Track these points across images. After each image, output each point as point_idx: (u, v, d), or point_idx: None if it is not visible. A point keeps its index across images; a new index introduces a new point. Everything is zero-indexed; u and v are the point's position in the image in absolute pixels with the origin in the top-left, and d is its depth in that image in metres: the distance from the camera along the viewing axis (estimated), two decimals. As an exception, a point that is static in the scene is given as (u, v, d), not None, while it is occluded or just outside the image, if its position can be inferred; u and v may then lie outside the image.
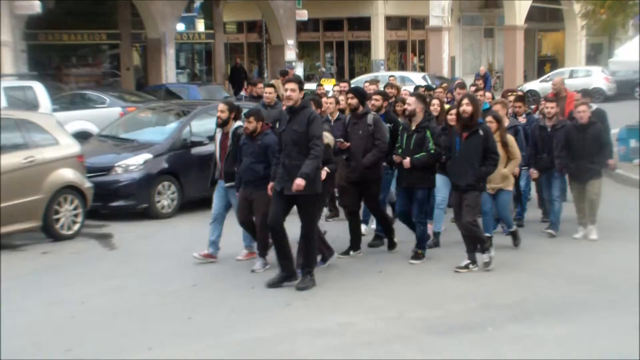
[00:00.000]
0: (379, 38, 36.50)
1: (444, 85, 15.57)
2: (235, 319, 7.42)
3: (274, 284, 8.36)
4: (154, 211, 12.21)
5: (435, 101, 10.53)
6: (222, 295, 8.21)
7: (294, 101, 8.25)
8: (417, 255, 9.37)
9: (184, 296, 8.22)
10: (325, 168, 8.64)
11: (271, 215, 8.29)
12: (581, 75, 33.41)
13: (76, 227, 11.03)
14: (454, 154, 8.95)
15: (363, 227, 10.12)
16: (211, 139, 11.48)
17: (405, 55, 39.06)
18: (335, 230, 10.28)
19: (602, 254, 9.78)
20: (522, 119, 11.46)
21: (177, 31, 27.97)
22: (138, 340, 6.88)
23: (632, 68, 25.60)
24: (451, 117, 9.50)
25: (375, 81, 14.52)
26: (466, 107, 8.84)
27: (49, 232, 10.79)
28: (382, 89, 12.06)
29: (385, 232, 9.97)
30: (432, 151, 9.11)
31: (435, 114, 10.06)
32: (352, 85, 12.17)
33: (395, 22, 37.93)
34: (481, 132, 8.86)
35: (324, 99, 11.00)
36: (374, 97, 10.35)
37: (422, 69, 36.38)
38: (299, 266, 8.59)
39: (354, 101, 9.59)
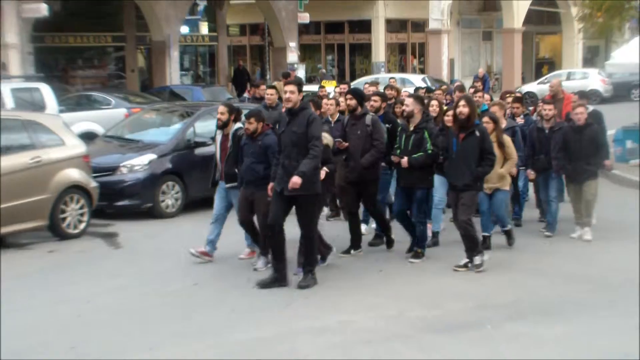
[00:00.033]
0: (379, 41, 36.48)
1: (444, 87, 15.57)
2: (236, 319, 7.38)
3: (265, 284, 8.28)
4: (158, 210, 12.21)
5: (434, 102, 10.53)
6: (222, 294, 8.18)
7: (293, 103, 8.25)
8: (417, 254, 9.37)
9: (184, 296, 8.19)
10: (324, 168, 8.63)
11: (271, 215, 8.27)
12: (578, 77, 33.40)
13: (82, 226, 11.04)
14: (451, 154, 8.95)
15: (363, 227, 10.12)
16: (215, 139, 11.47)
17: (405, 58, 39.05)
18: (335, 230, 10.27)
19: (599, 253, 9.75)
20: (519, 120, 11.45)
21: (181, 34, 27.97)
22: (138, 340, 6.85)
23: (628, 70, 25.65)
24: (448, 119, 9.51)
25: (375, 83, 14.51)
26: (463, 109, 8.84)
27: (56, 231, 10.79)
28: (382, 90, 12.06)
29: (382, 231, 9.96)
30: (430, 151, 9.11)
31: (434, 115, 10.06)
32: (352, 87, 12.19)
33: (395, 25, 37.91)
34: (478, 133, 8.85)
35: (324, 101, 11.00)
36: (373, 98, 10.35)
37: (422, 71, 36.36)
38: (300, 265, 8.58)
39: (353, 102, 9.60)
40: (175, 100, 20.40)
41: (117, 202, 12.09)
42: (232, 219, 9.31)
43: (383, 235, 9.99)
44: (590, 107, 11.67)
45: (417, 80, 27.57)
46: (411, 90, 15.34)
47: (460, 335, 6.91)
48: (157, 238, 11.06)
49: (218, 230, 9.36)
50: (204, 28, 33.23)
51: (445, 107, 10.68)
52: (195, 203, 12.38)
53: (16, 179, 10.25)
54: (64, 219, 10.81)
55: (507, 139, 9.85)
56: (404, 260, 9.36)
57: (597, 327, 7.13)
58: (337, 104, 10.85)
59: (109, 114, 18.08)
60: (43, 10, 21.02)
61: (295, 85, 8.31)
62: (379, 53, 36.42)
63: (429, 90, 15.14)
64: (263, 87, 15.18)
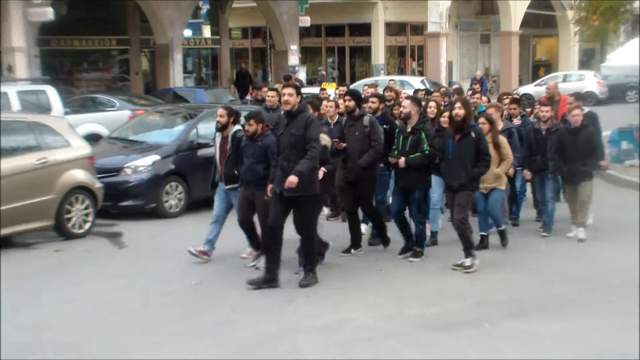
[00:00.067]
0: (379, 43, 36.47)
1: (442, 89, 15.59)
2: (236, 319, 7.35)
3: (256, 283, 8.21)
4: (161, 211, 12.21)
5: (432, 104, 10.54)
6: (222, 294, 8.14)
7: (292, 105, 8.25)
8: (416, 253, 9.36)
9: (185, 295, 8.16)
10: (322, 168, 8.63)
11: (271, 217, 8.25)
12: (574, 79, 33.36)
13: (87, 226, 11.04)
14: (447, 155, 8.95)
15: (363, 227, 10.11)
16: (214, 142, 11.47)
17: (404, 60, 39.03)
18: (335, 229, 10.26)
19: (595, 253, 9.75)
20: (517, 121, 11.44)
21: (184, 37, 27.97)
22: (139, 340, 6.82)
23: (624, 72, 25.61)
24: (444, 120, 9.52)
25: (374, 85, 14.48)
26: (459, 111, 8.86)
27: (61, 231, 10.79)
28: (381, 92, 12.06)
29: (378, 230, 9.95)
30: (427, 152, 9.11)
31: (431, 116, 10.07)
32: (350, 88, 12.20)
33: (394, 28, 37.89)
34: (473, 135, 8.86)
35: (324, 102, 10.99)
36: (371, 99, 10.35)
37: (421, 74, 36.32)
38: (301, 264, 8.58)
39: (351, 103, 9.61)
40: (178, 102, 20.38)
41: (121, 202, 12.09)
42: (232, 219, 9.30)
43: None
44: (586, 109, 11.66)
45: (416, 82, 27.58)
46: (411, 92, 15.33)
47: (458, 332, 6.91)
48: (161, 238, 11.06)
49: (217, 231, 9.35)
50: (206, 31, 33.22)
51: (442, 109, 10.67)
52: (198, 203, 12.38)
53: (22, 180, 10.26)
54: (69, 219, 10.81)
55: (502, 139, 9.85)
56: (403, 260, 9.35)
57: (592, 324, 7.11)
58: (337, 106, 10.85)
59: (113, 116, 18.07)
60: (49, 14, 21.02)
61: (293, 88, 8.31)
62: (379, 56, 36.42)
63: (428, 92, 15.13)
64: (265, 89, 15.16)
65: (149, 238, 11.00)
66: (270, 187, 8.38)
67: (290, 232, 8.46)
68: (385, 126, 9.95)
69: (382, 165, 9.83)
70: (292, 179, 7.97)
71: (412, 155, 9.10)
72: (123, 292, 8.31)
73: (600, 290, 8.21)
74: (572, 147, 10.22)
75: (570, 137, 10.27)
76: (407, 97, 9.76)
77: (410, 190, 9.24)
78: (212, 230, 9.35)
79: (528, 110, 13.38)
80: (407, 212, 9.57)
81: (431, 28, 32.38)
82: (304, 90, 11.94)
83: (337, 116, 10.67)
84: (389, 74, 34.81)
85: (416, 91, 15.68)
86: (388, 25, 36.85)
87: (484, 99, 12.60)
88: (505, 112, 11.46)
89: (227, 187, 9.24)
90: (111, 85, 28.73)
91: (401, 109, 9.49)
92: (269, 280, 8.23)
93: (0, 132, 10.15)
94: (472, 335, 6.85)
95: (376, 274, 8.88)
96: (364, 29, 36.94)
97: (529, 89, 33.12)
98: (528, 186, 11.45)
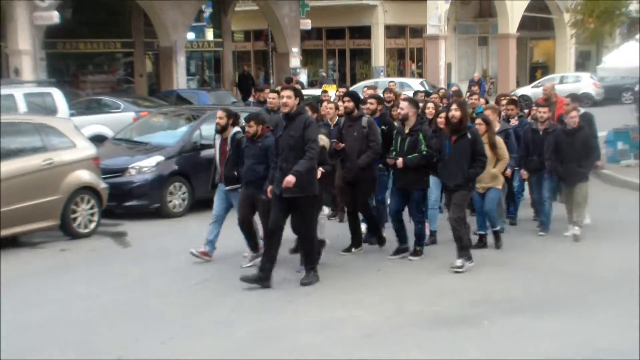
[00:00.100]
0: (379, 46, 36.48)
1: (441, 91, 15.59)
2: (236, 318, 7.32)
3: (249, 280, 8.14)
4: (165, 210, 12.21)
5: (430, 105, 10.53)
6: (222, 294, 8.10)
7: (290, 107, 8.23)
8: (416, 252, 9.35)
9: (185, 295, 8.12)
10: (320, 168, 8.61)
11: (272, 218, 8.22)
12: (571, 81, 33.35)
13: (92, 225, 11.03)
14: (444, 156, 8.94)
15: (363, 226, 10.08)
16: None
17: (404, 62, 39.03)
18: (335, 229, 10.25)
19: (592, 252, 9.73)
20: (514, 122, 11.42)
21: (187, 40, 27.98)
22: (139, 339, 6.80)
23: (619, 74, 25.61)
24: (440, 120, 9.52)
25: (373, 87, 14.45)
26: (455, 112, 8.85)
27: (67, 231, 10.78)
28: (381, 94, 12.04)
29: (373, 231, 9.91)
30: (424, 152, 9.10)
31: (429, 117, 10.05)
32: (350, 90, 12.19)
33: (394, 31, 37.88)
34: (469, 136, 8.85)
35: (324, 104, 10.98)
36: (369, 100, 10.33)
37: (420, 75, 36.31)
38: (302, 263, 8.56)
39: (350, 104, 9.59)
40: (181, 104, 20.40)
41: (126, 202, 12.08)
42: (232, 219, 9.28)
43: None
44: (582, 110, 11.64)
45: (415, 84, 27.58)
46: (410, 93, 15.32)
47: (457, 331, 6.89)
48: (165, 237, 11.05)
49: (217, 231, 9.33)
50: (209, 34, 33.22)
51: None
52: (201, 203, 12.36)
53: (29, 180, 10.26)
54: (74, 218, 10.81)
55: (499, 140, 9.83)
56: (402, 259, 9.33)
57: (591, 323, 7.10)
58: (337, 107, 10.84)
59: (118, 118, 18.08)
60: (55, 17, 21.03)
61: (291, 90, 8.30)
62: (379, 58, 36.42)
63: (427, 94, 15.12)
64: (267, 91, 15.14)
65: (153, 237, 10.99)
66: (270, 188, 8.37)
67: (286, 232, 8.42)
68: (383, 127, 9.93)
69: (380, 165, 9.81)
70: (290, 179, 7.95)
71: (409, 156, 9.09)
72: (127, 291, 8.30)
73: (598, 288, 8.20)
74: (569, 148, 10.20)
75: (567, 139, 10.25)
76: (405, 99, 9.74)
77: (409, 191, 9.22)
78: (212, 230, 9.34)
79: (526, 111, 13.36)
80: (406, 213, 9.54)
81: (430, 31, 32.38)
82: (305, 92, 11.94)
83: (337, 118, 10.65)
84: (388, 75, 34.79)
85: (415, 93, 15.68)
86: (388, 28, 36.86)
87: (482, 100, 12.58)
88: (502, 113, 11.44)
89: (227, 188, 9.23)
90: (116, 88, 28.74)
91: (399, 110, 9.48)
92: (262, 279, 8.15)
93: (0, 133, 10.13)
94: (471, 333, 6.83)
95: (376, 273, 8.85)
96: (364, 32, 36.95)
97: (527, 90, 33.08)
98: (526, 186, 11.44)
